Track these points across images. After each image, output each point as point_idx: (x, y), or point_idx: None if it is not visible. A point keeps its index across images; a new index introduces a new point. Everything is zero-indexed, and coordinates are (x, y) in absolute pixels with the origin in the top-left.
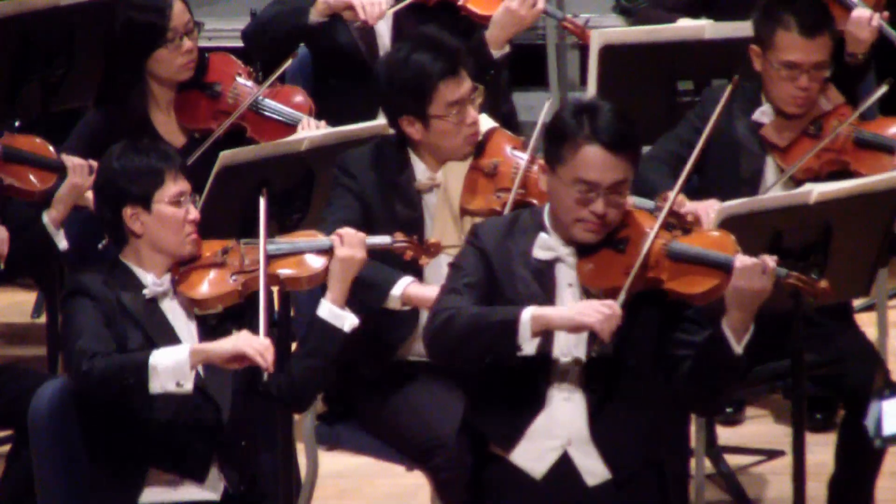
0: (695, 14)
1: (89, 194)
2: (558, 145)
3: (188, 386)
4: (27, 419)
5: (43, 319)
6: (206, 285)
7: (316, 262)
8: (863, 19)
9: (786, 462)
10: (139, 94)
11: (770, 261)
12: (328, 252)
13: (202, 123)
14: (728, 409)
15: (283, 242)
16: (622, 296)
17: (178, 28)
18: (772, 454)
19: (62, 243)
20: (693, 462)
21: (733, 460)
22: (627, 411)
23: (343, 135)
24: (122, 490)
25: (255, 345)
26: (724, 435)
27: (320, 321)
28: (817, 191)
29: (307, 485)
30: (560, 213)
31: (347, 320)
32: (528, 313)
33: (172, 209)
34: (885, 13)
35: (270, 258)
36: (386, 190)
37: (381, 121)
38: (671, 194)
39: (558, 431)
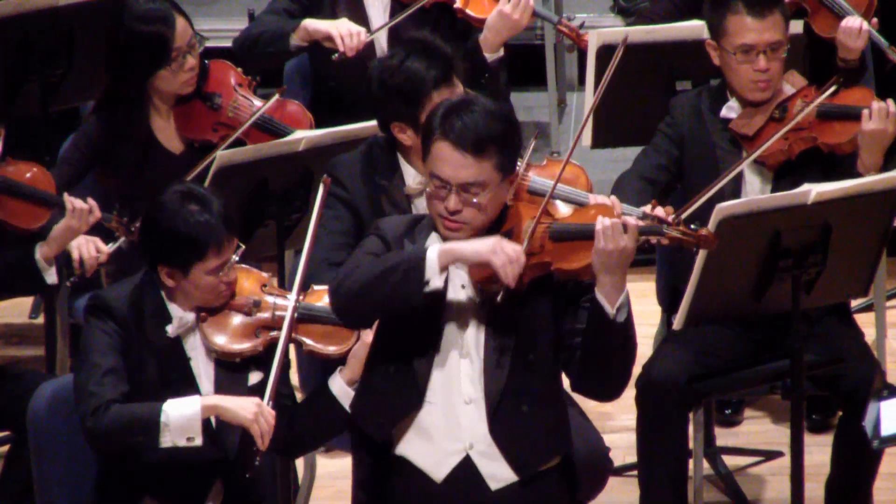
0: (684, 20)
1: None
2: (424, 140)
3: (198, 441)
4: (26, 419)
5: (41, 320)
6: (229, 337)
7: (346, 342)
8: (852, 28)
9: (784, 463)
10: (140, 103)
11: (631, 220)
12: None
13: (201, 134)
14: (727, 411)
15: (317, 306)
16: (525, 242)
17: (181, 47)
18: (770, 455)
19: (51, 279)
20: (691, 463)
21: (731, 461)
22: (529, 409)
23: (341, 135)
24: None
25: (262, 424)
26: (723, 436)
27: (329, 396)
28: (815, 191)
29: (304, 486)
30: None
31: None
32: (435, 249)
33: (209, 278)
34: (875, 20)
35: (300, 321)
36: (376, 196)
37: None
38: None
39: (460, 435)
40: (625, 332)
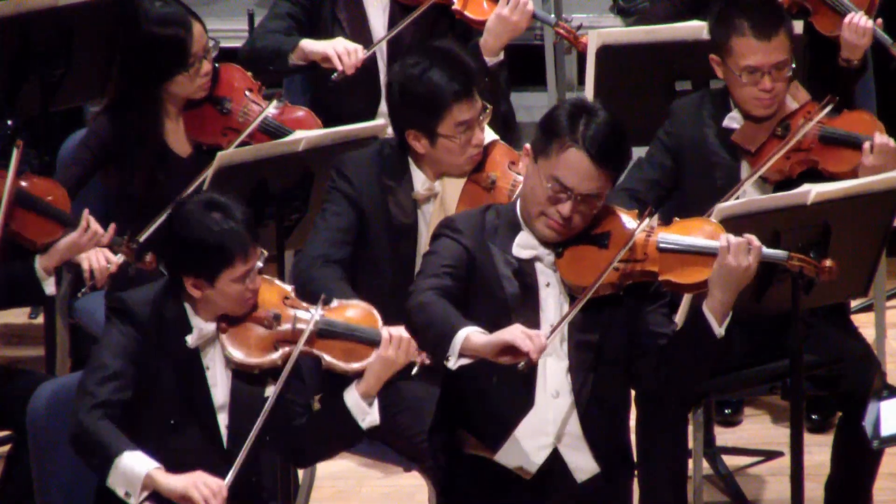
0: (684, 21)
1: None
2: (548, 138)
3: (133, 501)
4: (26, 419)
5: (41, 320)
6: (248, 349)
7: (362, 359)
8: (857, 25)
9: (784, 463)
10: (151, 107)
11: (755, 240)
12: (377, 345)
13: (211, 138)
14: (727, 410)
15: (339, 321)
16: (554, 332)
17: (197, 53)
18: (770, 455)
19: (49, 289)
20: (691, 463)
21: (731, 461)
22: (609, 404)
23: (341, 135)
24: None
25: (204, 491)
26: (723, 436)
27: (344, 409)
28: (815, 191)
29: (304, 486)
30: (528, 202)
31: (369, 417)
32: (463, 333)
33: (236, 286)
34: (879, 20)
35: (319, 335)
36: (383, 196)
37: (379, 121)
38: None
39: (549, 429)
40: (721, 349)
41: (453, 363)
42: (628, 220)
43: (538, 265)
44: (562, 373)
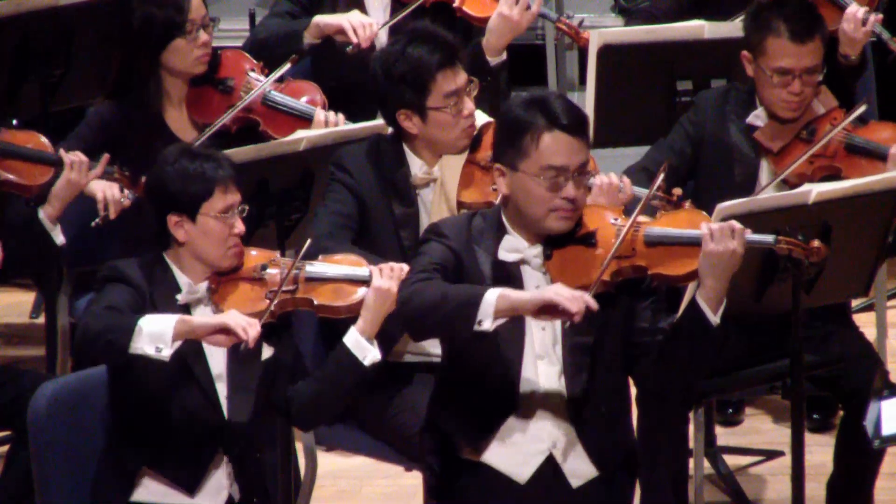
0: (686, 19)
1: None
2: (517, 141)
3: (166, 353)
4: (26, 419)
5: (41, 320)
6: (240, 302)
7: (354, 295)
8: (856, 19)
9: (785, 462)
10: (153, 89)
11: (736, 224)
12: (367, 283)
13: (214, 119)
14: (728, 410)
15: (324, 266)
16: (592, 289)
17: (195, 20)
18: (771, 455)
19: (59, 238)
20: (692, 462)
21: (732, 461)
22: (606, 408)
23: (342, 134)
24: (117, 482)
25: (240, 320)
26: (723, 435)
27: (344, 349)
28: (816, 191)
29: (306, 485)
30: (529, 208)
31: (370, 354)
32: (494, 293)
33: (218, 223)
34: (880, 15)
35: (308, 281)
36: (382, 187)
37: (380, 121)
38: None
39: (542, 434)
40: (719, 339)
41: (489, 324)
42: (612, 217)
43: (525, 268)
44: (555, 376)
